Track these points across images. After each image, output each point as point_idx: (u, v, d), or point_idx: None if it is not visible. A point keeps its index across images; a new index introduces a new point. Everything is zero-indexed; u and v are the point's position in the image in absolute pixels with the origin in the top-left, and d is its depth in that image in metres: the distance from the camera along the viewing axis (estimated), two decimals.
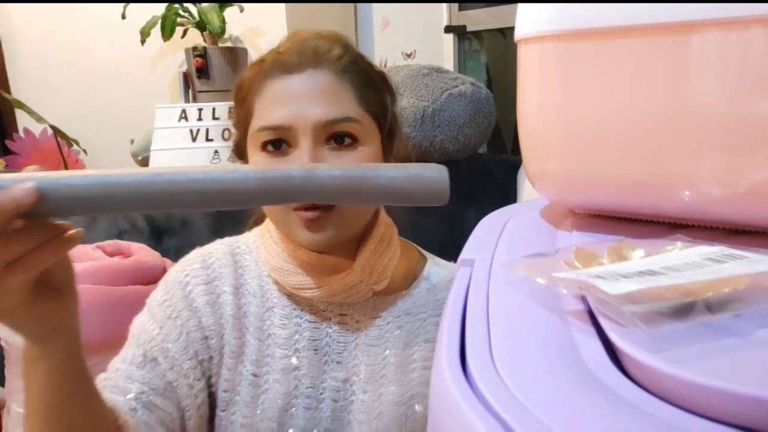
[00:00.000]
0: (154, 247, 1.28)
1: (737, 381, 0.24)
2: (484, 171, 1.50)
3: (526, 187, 1.39)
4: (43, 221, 0.38)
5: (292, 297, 0.68)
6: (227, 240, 0.72)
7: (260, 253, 0.69)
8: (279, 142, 0.60)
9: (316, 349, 0.66)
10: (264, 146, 0.60)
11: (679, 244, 0.36)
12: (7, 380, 1.09)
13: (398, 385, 0.65)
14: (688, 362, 0.25)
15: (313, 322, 0.67)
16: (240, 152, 0.68)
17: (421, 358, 0.67)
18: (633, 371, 0.27)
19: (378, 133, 0.64)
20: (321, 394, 0.66)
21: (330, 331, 0.67)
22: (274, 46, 0.66)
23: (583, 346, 0.30)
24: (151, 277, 1.20)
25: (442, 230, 1.42)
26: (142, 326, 0.65)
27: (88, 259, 1.12)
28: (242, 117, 0.64)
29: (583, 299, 0.34)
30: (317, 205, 0.59)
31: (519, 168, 1.48)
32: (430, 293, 0.70)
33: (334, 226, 0.60)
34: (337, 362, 0.67)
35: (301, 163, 0.58)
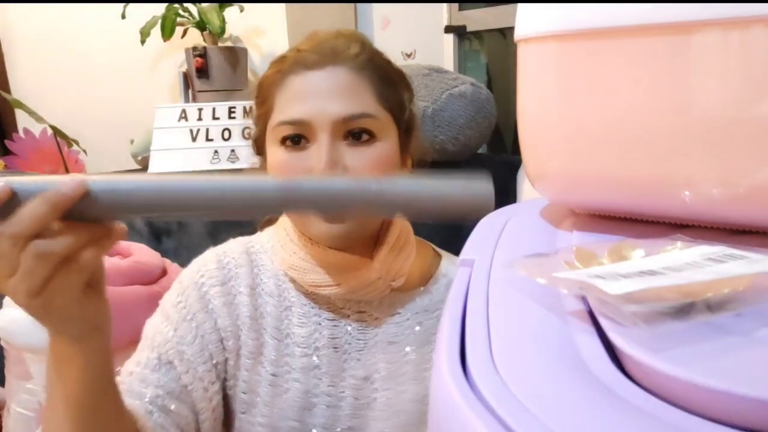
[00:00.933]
0: (154, 248, 1.28)
1: (737, 381, 0.24)
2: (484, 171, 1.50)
3: (526, 187, 1.39)
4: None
5: (310, 295, 0.68)
6: (241, 240, 0.72)
7: (276, 252, 0.69)
8: (298, 137, 0.61)
9: (336, 347, 0.67)
10: (283, 141, 0.61)
11: (679, 244, 0.36)
12: (7, 380, 1.09)
13: (416, 383, 0.66)
14: (688, 362, 0.25)
15: (332, 320, 0.67)
16: (259, 148, 0.69)
17: None
18: (633, 371, 0.27)
19: (395, 130, 0.65)
20: (341, 392, 0.66)
21: (349, 328, 0.68)
22: (277, 45, 0.67)
23: (583, 346, 0.30)
24: (150, 278, 1.20)
25: (442, 230, 1.42)
26: (156, 328, 0.65)
27: None
28: (262, 113, 0.66)
29: (584, 299, 0.34)
30: None
31: (519, 168, 1.48)
32: (448, 290, 0.70)
33: (352, 221, 0.61)
34: (357, 360, 0.67)
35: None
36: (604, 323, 0.30)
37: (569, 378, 0.27)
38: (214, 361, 0.64)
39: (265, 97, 0.65)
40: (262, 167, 0.69)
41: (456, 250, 0.48)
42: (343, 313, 0.68)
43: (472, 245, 0.48)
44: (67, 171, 2.37)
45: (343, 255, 0.64)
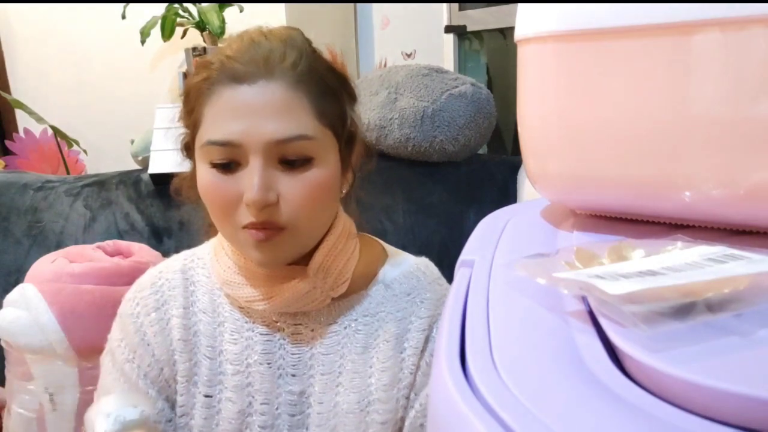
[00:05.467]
0: (155, 248, 1.28)
1: (737, 381, 0.24)
2: (484, 172, 1.50)
3: (526, 188, 1.39)
4: None
5: (244, 310, 0.65)
6: (183, 254, 0.71)
7: (212, 265, 0.67)
8: (228, 160, 0.56)
9: (269, 363, 0.64)
10: (212, 161, 0.57)
11: (679, 244, 0.36)
12: (7, 381, 1.09)
13: (355, 392, 0.63)
14: (688, 362, 0.25)
15: (265, 334, 0.64)
16: (188, 151, 0.64)
17: (379, 360, 0.64)
18: (633, 371, 0.27)
19: (335, 145, 0.60)
20: (276, 409, 0.63)
21: (283, 342, 0.64)
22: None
23: (583, 346, 0.30)
24: None
25: (442, 231, 1.42)
26: (107, 375, 0.66)
27: (87, 259, 1.12)
28: (190, 123, 0.60)
29: (584, 299, 0.34)
30: (269, 224, 0.56)
31: (519, 168, 1.48)
32: (387, 290, 0.67)
33: (286, 247, 0.58)
34: (292, 375, 0.64)
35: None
36: (604, 323, 0.30)
37: (569, 378, 0.27)
38: (163, 396, 0.65)
39: (192, 107, 0.59)
40: (192, 172, 0.64)
41: (456, 250, 0.48)
42: (278, 326, 0.65)
43: (472, 246, 0.48)
44: (67, 171, 2.38)
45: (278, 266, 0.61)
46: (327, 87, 0.58)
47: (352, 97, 0.63)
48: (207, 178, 0.57)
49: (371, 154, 0.69)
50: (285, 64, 0.55)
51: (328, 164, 0.58)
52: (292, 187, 0.56)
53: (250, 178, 0.54)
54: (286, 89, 0.55)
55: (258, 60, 0.55)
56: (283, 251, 0.58)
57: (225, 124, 0.55)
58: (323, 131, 0.57)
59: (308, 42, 0.60)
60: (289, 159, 0.55)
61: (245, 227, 0.56)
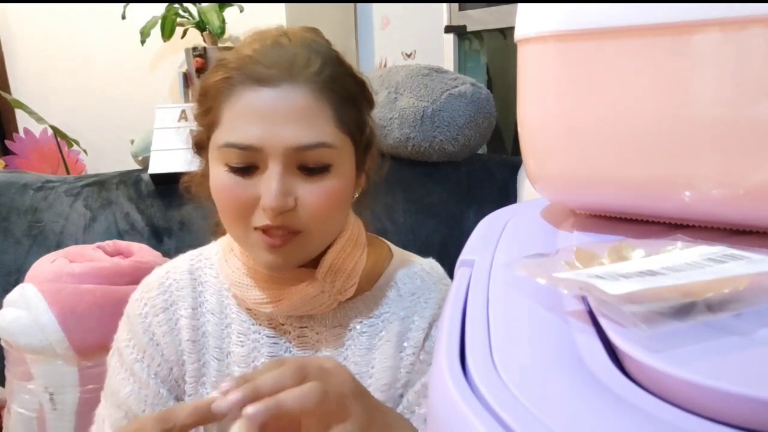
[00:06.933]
0: (155, 248, 1.28)
1: (737, 381, 0.24)
2: (484, 171, 1.50)
3: (526, 188, 1.39)
4: None
5: (251, 311, 0.65)
6: (190, 254, 0.71)
7: (221, 266, 0.67)
8: (247, 163, 0.55)
9: None
10: (230, 163, 0.56)
11: (679, 244, 0.36)
12: (7, 380, 1.10)
13: None
14: (688, 362, 0.25)
15: (272, 337, 0.65)
16: (200, 150, 0.63)
17: (380, 360, 0.64)
18: (633, 371, 0.27)
19: (353, 152, 0.60)
20: None
21: (289, 345, 0.65)
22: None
23: (583, 346, 0.30)
24: None
25: (442, 231, 1.42)
26: (116, 375, 0.65)
27: (87, 259, 1.12)
28: (207, 123, 0.59)
29: (584, 299, 0.34)
30: (284, 228, 0.55)
31: (519, 168, 1.48)
32: (392, 291, 0.67)
33: (297, 251, 0.58)
34: None
35: None
36: (604, 323, 0.30)
37: (569, 378, 0.27)
38: (173, 395, 0.65)
39: (209, 106, 0.58)
40: (204, 171, 0.63)
41: (456, 250, 0.48)
42: (284, 329, 0.65)
43: (472, 245, 0.48)
44: (67, 171, 2.38)
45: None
46: (348, 94, 0.58)
47: (369, 103, 0.63)
48: (222, 179, 0.56)
49: (384, 160, 0.69)
50: (310, 70, 0.55)
51: (344, 172, 0.58)
52: (309, 194, 0.55)
53: (269, 184, 0.54)
54: (309, 96, 0.54)
55: (282, 63, 0.54)
56: (293, 255, 0.58)
57: (245, 126, 0.54)
58: (342, 139, 0.57)
59: (329, 45, 0.59)
60: (308, 166, 0.55)
61: (258, 229, 0.56)
